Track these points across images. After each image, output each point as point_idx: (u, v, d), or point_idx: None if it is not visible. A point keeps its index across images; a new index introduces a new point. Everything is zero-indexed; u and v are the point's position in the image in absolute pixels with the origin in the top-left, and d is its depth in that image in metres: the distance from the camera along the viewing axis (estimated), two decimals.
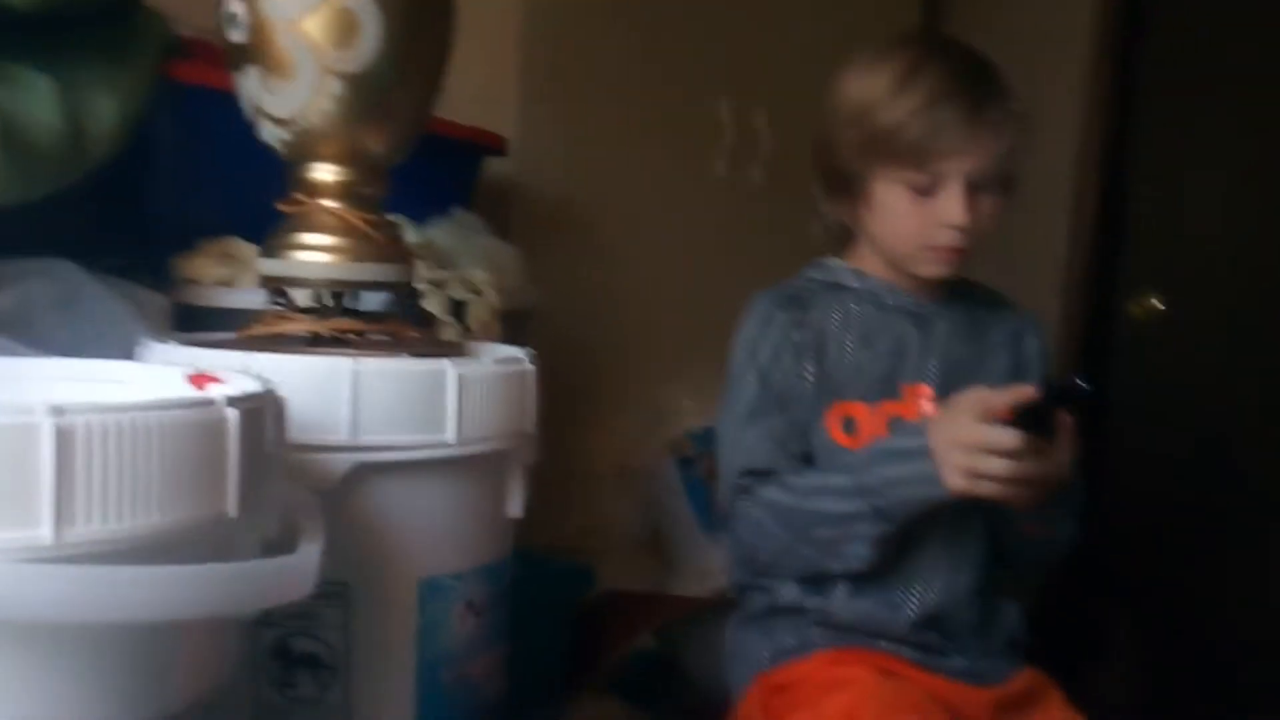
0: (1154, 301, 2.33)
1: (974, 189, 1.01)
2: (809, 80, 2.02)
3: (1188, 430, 2.27)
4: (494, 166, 1.60)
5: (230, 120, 0.89)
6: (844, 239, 1.14)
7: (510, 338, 1.33)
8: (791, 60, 2.03)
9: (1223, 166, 2.23)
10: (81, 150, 0.86)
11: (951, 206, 1.00)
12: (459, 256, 1.37)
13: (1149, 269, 2.35)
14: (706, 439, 1.69)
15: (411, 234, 1.32)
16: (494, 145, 1.54)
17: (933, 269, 1.06)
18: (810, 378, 1.06)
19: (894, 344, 1.08)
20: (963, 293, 1.12)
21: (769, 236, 1.98)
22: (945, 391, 1.04)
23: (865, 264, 1.11)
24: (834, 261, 1.13)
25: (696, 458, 1.81)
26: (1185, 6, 2.30)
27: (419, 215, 1.38)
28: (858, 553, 1.00)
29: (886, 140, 1.01)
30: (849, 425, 1.06)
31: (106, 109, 0.90)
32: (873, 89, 1.03)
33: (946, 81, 1.01)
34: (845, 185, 1.07)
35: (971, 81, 1.02)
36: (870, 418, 1.06)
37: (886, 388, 1.07)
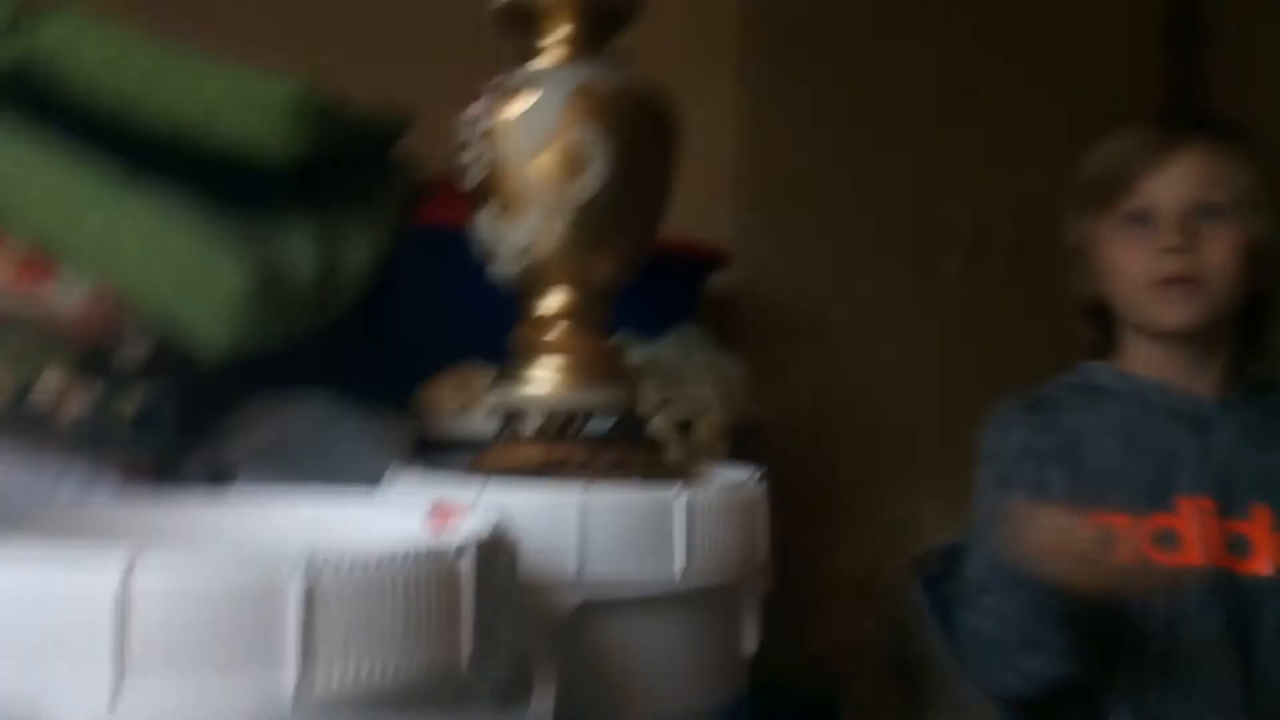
0: None
1: (1191, 218, 0.96)
2: (1047, 169, 1.97)
3: None
4: (718, 278, 1.61)
5: (466, 255, 0.93)
6: (1104, 340, 1.09)
7: (739, 454, 1.31)
8: (1027, 149, 1.97)
9: None
10: (334, 294, 0.92)
11: (1163, 229, 0.97)
12: (685, 372, 1.37)
13: None
14: (955, 554, 1.62)
15: (637, 352, 1.34)
16: (717, 258, 1.55)
17: (1171, 311, 0.98)
18: (1057, 487, 0.99)
19: (1165, 451, 0.99)
20: (1259, 391, 1.02)
21: (1011, 333, 1.90)
22: (1230, 508, 0.95)
23: (1131, 361, 1.04)
24: (1094, 364, 1.07)
25: (944, 575, 1.72)
26: None
27: (645, 332, 1.40)
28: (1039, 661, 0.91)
29: (1095, 182, 1.02)
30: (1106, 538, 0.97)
31: (358, 253, 0.95)
32: (1086, 156, 1.06)
33: (1154, 126, 1.03)
34: (1078, 253, 1.06)
35: (1171, 119, 1.05)
36: (1132, 531, 0.96)
37: (1156, 498, 0.97)
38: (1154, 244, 0.99)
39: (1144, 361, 1.03)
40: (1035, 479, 0.99)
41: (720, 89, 1.70)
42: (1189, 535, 0.95)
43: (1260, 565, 0.95)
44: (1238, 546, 0.95)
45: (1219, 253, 0.98)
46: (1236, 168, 0.99)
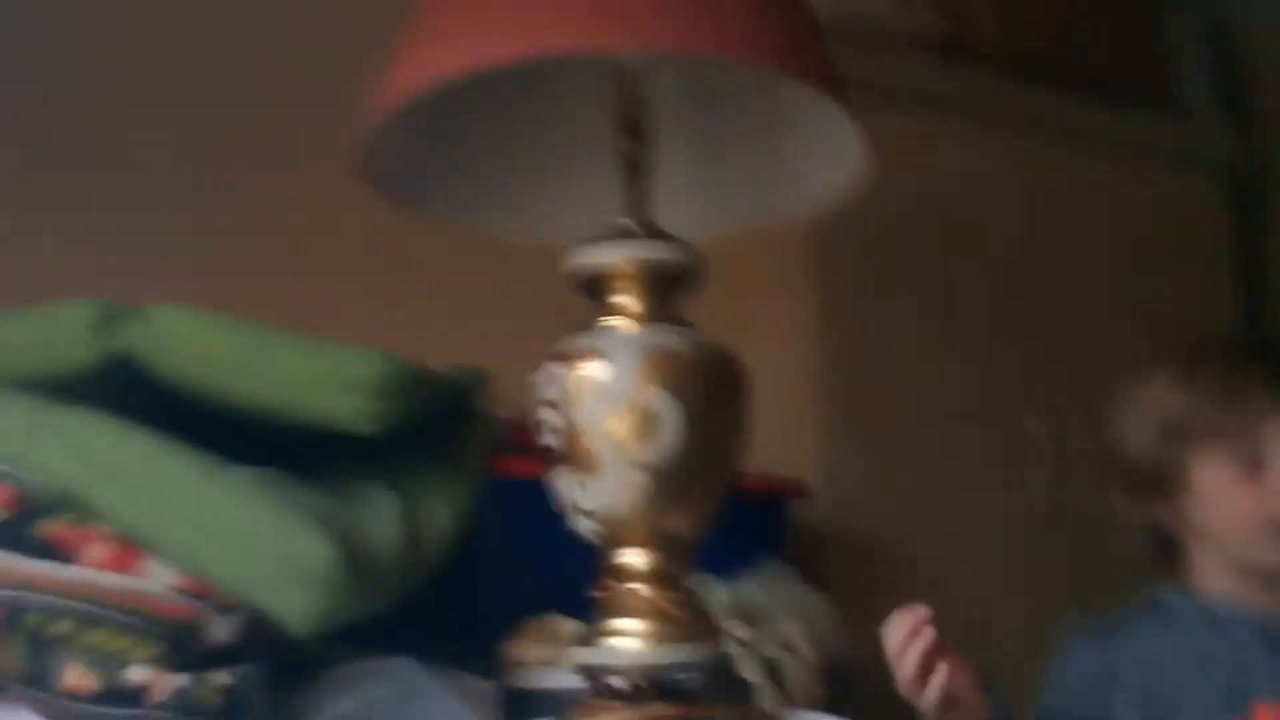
0: None
1: None
2: (1121, 379, 1.95)
3: None
4: (801, 511, 1.60)
5: (546, 507, 0.94)
6: (1171, 555, 1.06)
7: (833, 696, 1.28)
8: (1099, 361, 1.96)
9: None
10: (418, 560, 0.93)
11: (1276, 475, 0.94)
12: (771, 611, 1.35)
13: None
14: None
15: (721, 592, 1.33)
16: (797, 492, 1.55)
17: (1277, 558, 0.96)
18: (1124, 711, 0.95)
19: (1237, 664, 0.96)
20: None
21: (1097, 549, 1.84)
22: None
23: (1202, 579, 1.02)
24: (1165, 589, 1.05)
25: None
26: None
27: (727, 570, 1.39)
28: None
29: (1195, 427, 1.00)
30: None
31: (441, 516, 0.98)
32: (1163, 385, 1.05)
33: (1236, 355, 1.03)
34: (1158, 485, 1.03)
35: (1266, 351, 1.04)
36: None
37: (1231, 706, 0.93)
38: (1269, 484, 0.98)
39: (1217, 581, 1.01)
40: (1101, 705, 0.96)
41: (798, 323, 1.75)
42: None
43: None
44: None
45: None
46: None
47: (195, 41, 1.68)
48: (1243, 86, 2.43)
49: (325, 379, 0.91)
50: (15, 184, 1.55)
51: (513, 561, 1.20)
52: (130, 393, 0.89)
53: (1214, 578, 1.02)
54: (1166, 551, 1.08)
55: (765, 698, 1.21)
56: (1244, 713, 0.95)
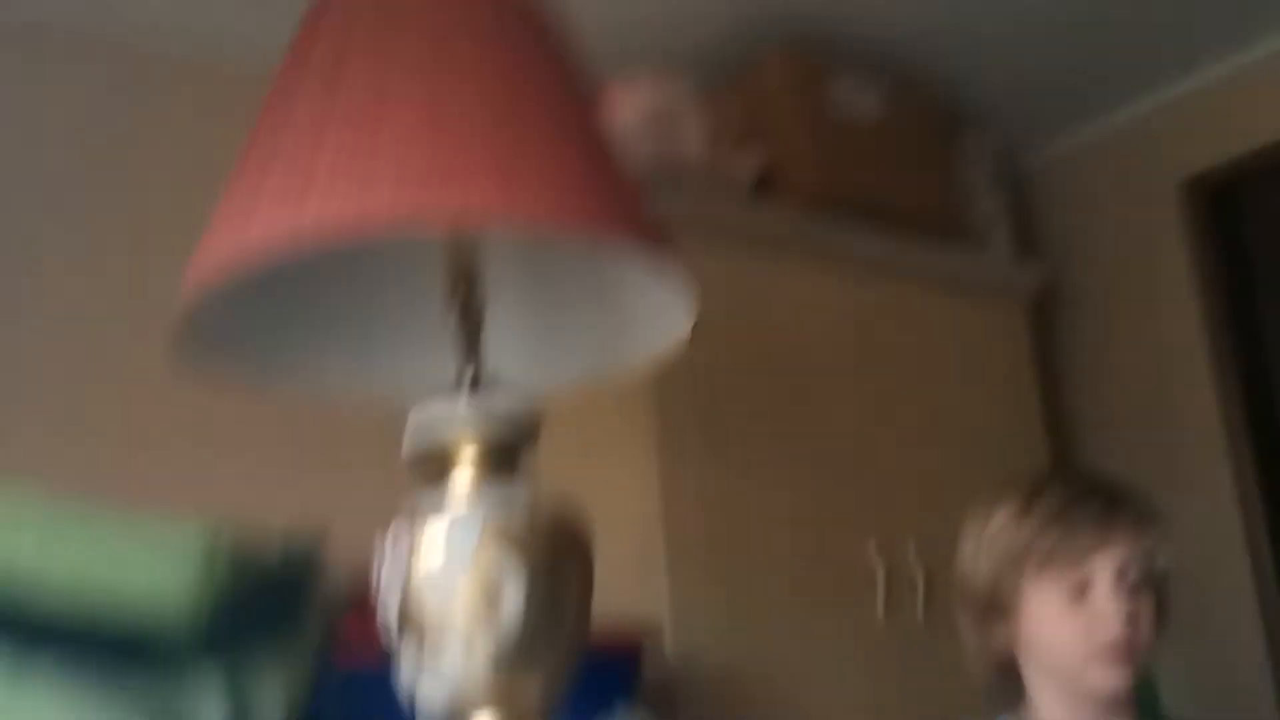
0: None
1: (1128, 586, 1.01)
2: (955, 507, 2.02)
3: None
4: (654, 651, 1.58)
5: (390, 696, 0.90)
6: (1011, 688, 1.10)
7: None
8: (932, 491, 2.03)
9: None
10: None
11: (1106, 599, 1.00)
12: None
13: None
14: None
15: None
16: (647, 638, 1.53)
17: (1107, 677, 1.01)
18: None
19: None
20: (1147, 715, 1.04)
21: (940, 673, 1.89)
22: None
23: (1038, 708, 1.06)
24: (1002, 717, 1.08)
25: None
26: None
27: None
28: None
29: (1029, 558, 1.05)
30: None
31: (270, 701, 0.92)
32: (1001, 518, 1.10)
33: (1071, 490, 1.08)
34: (994, 608, 1.07)
35: (1096, 488, 1.09)
36: None
37: None
38: (1094, 611, 1.02)
39: (1054, 709, 1.06)
40: None
41: (640, 465, 1.76)
42: None
43: None
44: None
45: (1149, 623, 1.04)
46: (1162, 541, 1.06)
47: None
48: (1031, 222, 2.64)
49: (146, 552, 0.86)
50: None
51: None
52: None
53: (1051, 707, 1.06)
54: (1006, 679, 1.11)
55: None
56: None
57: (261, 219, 0.76)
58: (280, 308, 0.96)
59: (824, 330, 2.00)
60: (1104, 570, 1.02)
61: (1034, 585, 1.05)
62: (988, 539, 1.10)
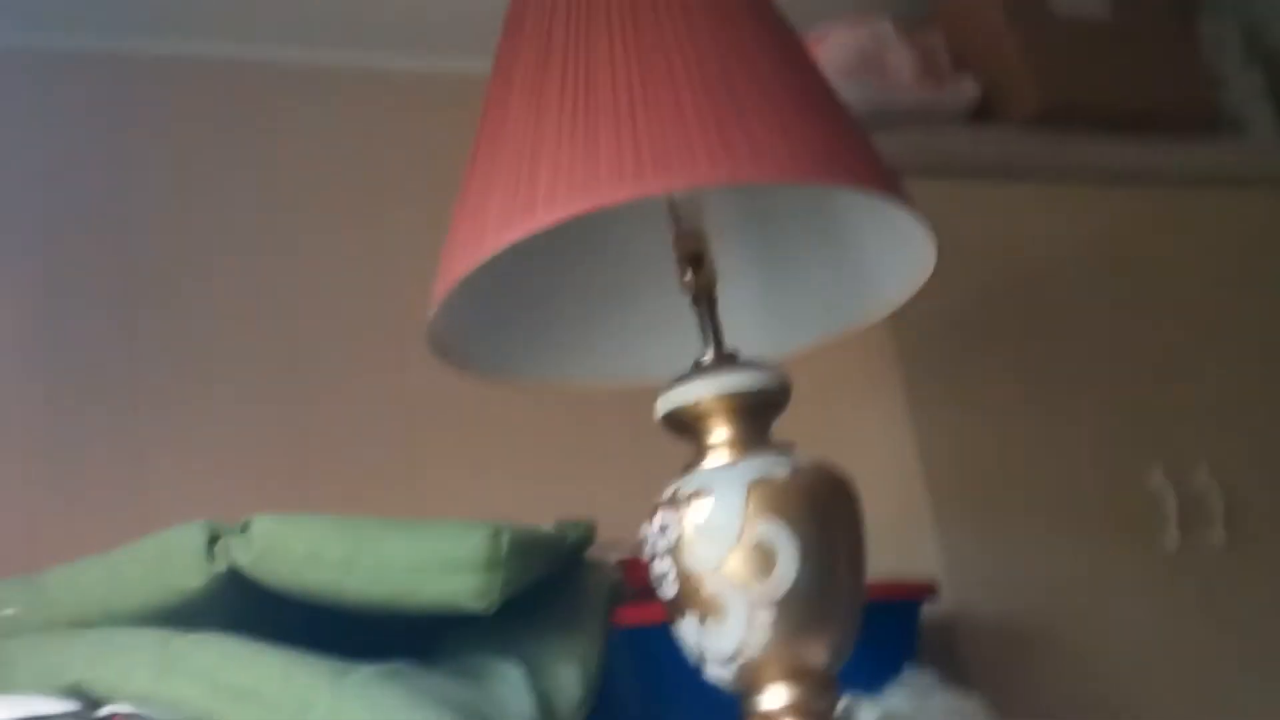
0: None
1: None
2: (1251, 420, 1.87)
3: None
4: (930, 609, 1.55)
5: (676, 650, 0.92)
6: None
7: None
8: (1219, 407, 1.88)
9: None
10: None
11: None
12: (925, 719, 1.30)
13: None
14: None
15: (869, 710, 1.28)
16: (924, 592, 1.50)
17: None
18: None
19: None
20: None
21: (1246, 604, 1.75)
22: None
23: None
24: None
25: None
26: None
27: (871, 684, 1.34)
28: None
29: None
30: None
31: (571, 680, 0.95)
32: None
33: None
34: None
35: None
36: None
37: None
38: None
39: None
40: None
41: (892, 419, 1.71)
42: None
43: None
44: None
45: None
46: None
47: (259, 251, 1.73)
48: None
49: (432, 562, 0.90)
50: (112, 408, 1.60)
51: (647, 711, 1.17)
52: (243, 607, 0.90)
53: None
54: None
55: None
56: None
57: (493, 220, 0.79)
58: (524, 305, 0.99)
59: (1073, 251, 1.88)
60: None
61: None
62: None
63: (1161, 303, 1.92)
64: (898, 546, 1.59)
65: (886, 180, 0.85)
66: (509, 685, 0.91)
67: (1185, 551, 1.80)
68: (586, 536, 1.14)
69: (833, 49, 1.79)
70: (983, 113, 1.95)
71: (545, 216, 0.75)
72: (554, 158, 0.77)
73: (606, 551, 1.22)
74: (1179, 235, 1.97)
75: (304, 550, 0.89)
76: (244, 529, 0.90)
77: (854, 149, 0.84)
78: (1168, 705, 1.69)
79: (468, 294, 0.88)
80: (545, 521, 1.13)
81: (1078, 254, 1.90)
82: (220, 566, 0.88)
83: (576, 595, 1.09)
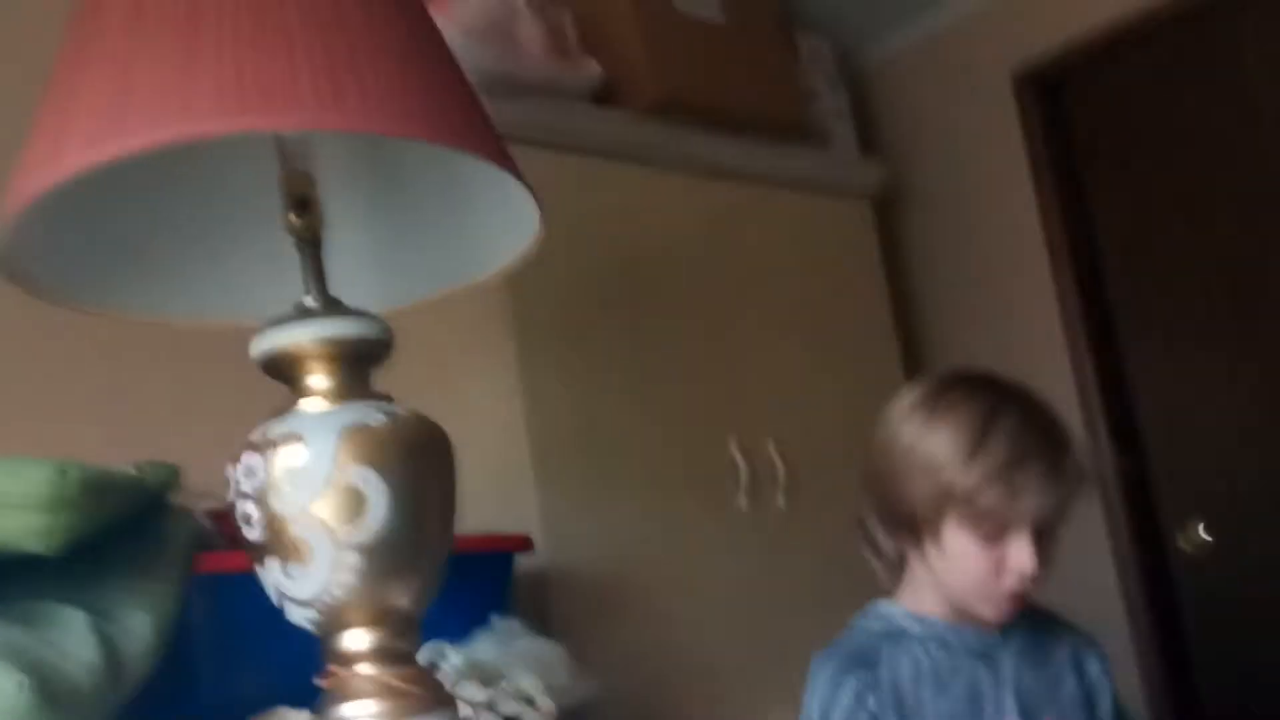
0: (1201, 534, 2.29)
1: (1040, 537, 1.02)
2: (810, 402, 2.10)
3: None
4: (525, 562, 1.62)
5: (261, 600, 0.91)
6: (896, 570, 1.14)
7: None
8: (788, 389, 2.10)
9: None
10: (122, 675, 0.88)
11: (1022, 556, 1.02)
12: (506, 667, 1.36)
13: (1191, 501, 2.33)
14: None
15: (454, 657, 1.32)
16: (520, 546, 1.56)
17: (995, 615, 1.06)
18: None
19: (968, 686, 1.07)
20: (1022, 618, 1.11)
21: (802, 558, 1.98)
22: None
23: (921, 603, 1.10)
24: (888, 607, 1.13)
25: None
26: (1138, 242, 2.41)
27: (459, 632, 1.38)
28: None
29: (964, 500, 1.02)
30: None
31: (142, 627, 0.92)
32: (944, 448, 1.04)
33: (1016, 443, 1.02)
34: (909, 526, 1.07)
35: (1045, 439, 1.04)
36: None
37: None
38: (1004, 562, 1.02)
39: (931, 605, 1.09)
40: None
41: (500, 377, 1.77)
42: None
43: None
44: None
45: (1047, 564, 1.04)
46: (1078, 483, 1.04)
47: None
48: (873, 119, 2.70)
49: None
50: None
51: (232, 659, 1.14)
52: None
53: (932, 604, 1.10)
54: (891, 570, 1.13)
55: None
56: None
57: (78, 142, 0.73)
58: (117, 230, 0.93)
59: (676, 234, 2.03)
60: (1027, 525, 1.02)
61: (956, 524, 1.03)
62: (921, 464, 1.05)
63: (747, 291, 2.11)
64: (499, 503, 1.65)
65: (492, 144, 0.88)
66: (71, 631, 0.87)
67: (753, 514, 2.00)
68: (169, 481, 1.09)
69: (462, 11, 1.80)
70: (604, 96, 2.04)
71: (135, 140, 0.71)
72: (151, 76, 0.73)
73: (198, 500, 1.17)
74: (765, 232, 2.18)
75: None
76: None
77: (464, 109, 0.86)
78: (734, 648, 1.87)
79: (46, 214, 0.82)
80: (125, 464, 1.07)
81: (681, 239, 2.04)
82: None
83: (154, 541, 1.04)
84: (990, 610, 1.06)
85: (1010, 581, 1.03)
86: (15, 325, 1.31)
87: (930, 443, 1.05)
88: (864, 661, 1.07)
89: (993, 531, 1.02)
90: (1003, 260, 2.55)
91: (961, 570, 1.05)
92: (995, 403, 1.05)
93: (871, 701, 1.04)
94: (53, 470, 0.86)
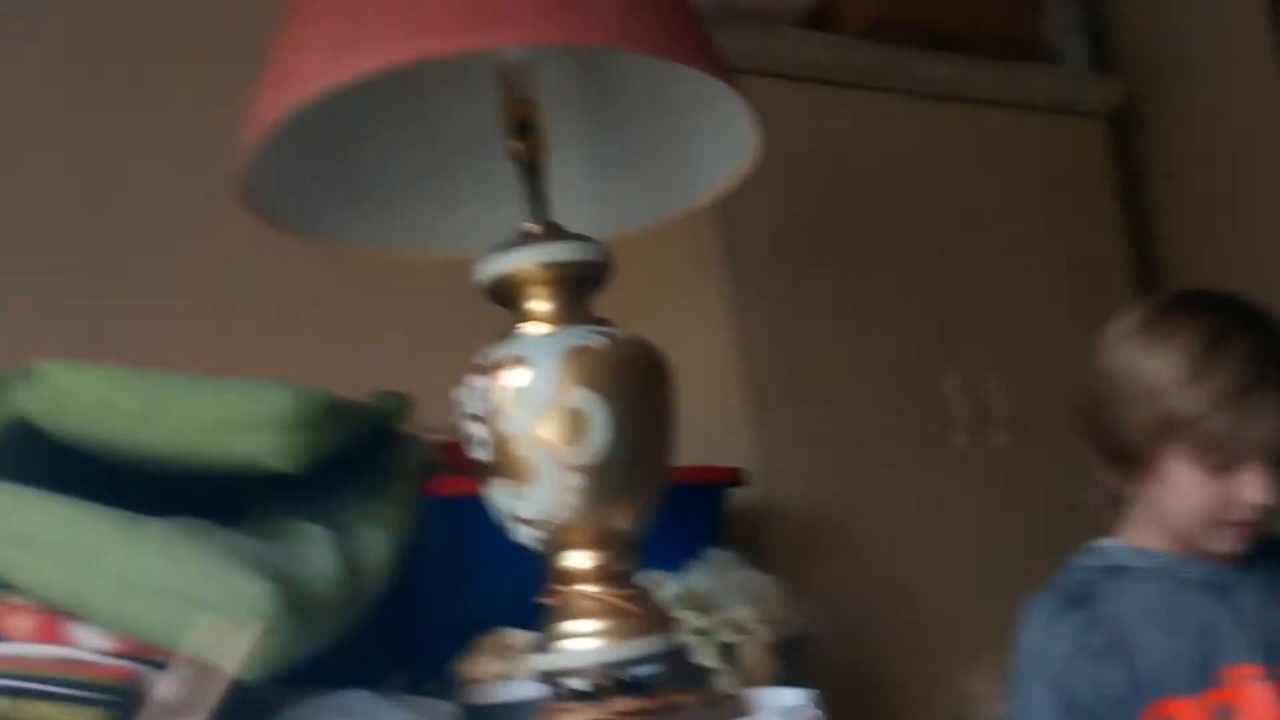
0: None
1: (1275, 465, 0.94)
2: (1038, 335, 2.00)
3: None
4: (739, 496, 1.61)
5: (486, 521, 0.93)
6: (1117, 506, 1.07)
7: (787, 670, 1.29)
8: (1013, 320, 2.01)
9: None
10: (361, 589, 0.92)
11: (1255, 487, 0.94)
12: (721, 597, 1.36)
13: None
14: None
15: (671, 586, 1.33)
16: (734, 478, 1.55)
17: (1226, 547, 0.97)
18: (1118, 682, 0.96)
19: (1202, 624, 0.97)
20: (1270, 547, 1.02)
21: (1025, 498, 1.90)
22: (1276, 665, 0.93)
23: (1146, 538, 1.03)
24: (1109, 542, 1.06)
25: None
26: None
27: (674, 563, 1.39)
28: None
29: (1187, 427, 0.95)
30: None
31: (378, 544, 0.96)
32: (1165, 371, 0.97)
33: (1249, 366, 0.94)
34: (1128, 458, 1.01)
35: (1274, 362, 0.95)
36: (1196, 715, 0.94)
37: (1206, 676, 0.96)
38: (1234, 494, 0.96)
39: (1157, 541, 1.02)
40: (1092, 677, 0.97)
41: (713, 307, 1.76)
42: (1244, 706, 0.93)
43: None
44: None
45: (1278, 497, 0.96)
46: None
47: (68, 79, 1.61)
48: (1110, 40, 2.53)
49: (235, 419, 0.89)
50: None
51: (459, 579, 1.19)
52: (33, 456, 0.86)
53: (1155, 540, 1.03)
54: (1114, 504, 1.06)
55: (724, 681, 1.21)
56: (1217, 677, 0.97)
57: (313, 64, 0.76)
58: (342, 161, 0.97)
59: (895, 159, 1.95)
60: (1260, 457, 0.94)
61: (1181, 454, 0.96)
62: (1141, 390, 0.98)
63: (970, 219, 2.02)
64: (711, 434, 1.64)
65: (719, 62, 0.86)
66: (313, 544, 0.91)
67: (973, 451, 1.93)
68: (400, 409, 1.14)
69: None
70: (818, 20, 1.98)
71: (369, 62, 0.73)
72: (379, 3, 0.75)
73: (424, 431, 1.22)
74: (990, 155, 2.07)
75: (96, 399, 0.86)
76: (31, 373, 0.86)
77: (686, 25, 0.84)
78: (949, 590, 1.82)
79: (281, 144, 0.85)
80: (358, 392, 1.12)
81: (901, 165, 1.97)
82: (2, 412, 0.84)
83: (386, 464, 1.09)
84: (1220, 544, 0.98)
85: (1241, 514, 0.96)
86: (251, 255, 1.37)
87: (1150, 366, 0.98)
88: (1082, 600, 1.00)
89: (1221, 462, 0.95)
90: (1248, 185, 2.35)
91: (1187, 505, 0.98)
92: (1225, 323, 0.97)
93: (1093, 641, 0.98)
94: (295, 393, 0.90)
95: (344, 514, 0.99)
